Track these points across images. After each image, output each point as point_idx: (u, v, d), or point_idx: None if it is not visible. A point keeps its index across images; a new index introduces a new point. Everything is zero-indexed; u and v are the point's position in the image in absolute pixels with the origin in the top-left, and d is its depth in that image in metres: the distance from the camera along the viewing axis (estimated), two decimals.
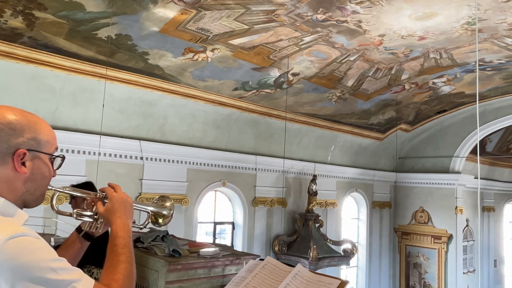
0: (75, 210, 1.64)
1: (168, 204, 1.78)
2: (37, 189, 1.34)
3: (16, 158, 1.26)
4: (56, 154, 1.39)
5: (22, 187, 1.29)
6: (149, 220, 1.74)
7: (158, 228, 1.79)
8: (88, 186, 4.02)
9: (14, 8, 4.96)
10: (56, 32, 5.45)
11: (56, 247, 3.80)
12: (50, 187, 1.46)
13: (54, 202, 1.59)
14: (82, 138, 6.44)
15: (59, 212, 1.63)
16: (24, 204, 1.32)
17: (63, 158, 1.41)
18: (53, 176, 1.40)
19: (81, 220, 1.66)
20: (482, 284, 14.31)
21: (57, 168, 1.41)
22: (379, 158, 12.50)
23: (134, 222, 1.67)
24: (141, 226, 1.73)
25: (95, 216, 1.63)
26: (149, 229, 2.99)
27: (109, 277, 1.36)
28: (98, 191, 1.64)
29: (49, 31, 5.41)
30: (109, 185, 1.65)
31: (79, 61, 6.02)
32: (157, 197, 1.86)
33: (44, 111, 6.03)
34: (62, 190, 1.59)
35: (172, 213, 1.77)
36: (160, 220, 1.75)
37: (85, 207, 1.68)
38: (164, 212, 1.75)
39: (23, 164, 1.28)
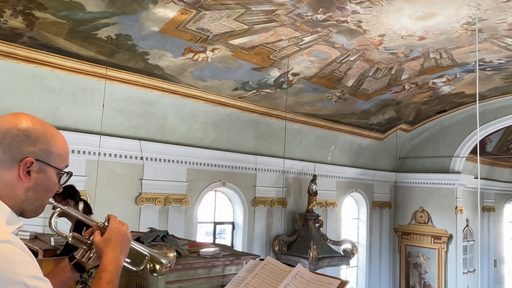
0: (70, 234, 1.59)
1: (171, 255, 1.70)
2: (37, 200, 1.32)
3: (22, 166, 1.26)
4: (65, 170, 1.38)
5: (23, 195, 1.28)
6: (148, 265, 1.66)
7: (155, 276, 1.74)
8: (69, 190, 3.96)
9: (14, 8, 4.96)
10: (56, 32, 5.45)
11: (51, 252, 3.72)
12: (53, 203, 1.44)
13: (52, 221, 1.54)
14: (82, 138, 6.44)
15: (57, 233, 1.57)
16: (22, 212, 1.30)
17: (71, 175, 1.40)
18: (57, 191, 1.39)
19: (75, 245, 1.60)
20: (482, 284, 14.31)
21: (63, 184, 1.40)
22: (379, 158, 12.50)
23: (128, 262, 1.61)
24: (135, 269, 1.64)
25: (90, 245, 1.57)
26: (149, 229, 2.98)
27: None
28: (105, 218, 1.58)
29: (49, 31, 5.41)
30: (110, 216, 1.59)
31: (79, 61, 6.02)
32: (165, 242, 1.77)
33: (44, 111, 6.03)
34: (64, 209, 1.56)
35: (171, 266, 1.69)
36: (157, 267, 1.67)
37: (83, 233, 1.62)
38: (163, 261, 1.67)
39: (29, 173, 1.27)
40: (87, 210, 4.00)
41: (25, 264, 1.13)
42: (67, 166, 1.39)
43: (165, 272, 1.70)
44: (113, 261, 1.46)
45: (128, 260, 1.63)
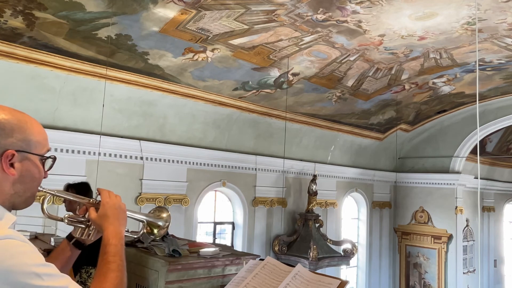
0: (66, 215, 1.59)
1: (164, 215, 1.75)
2: (27, 191, 1.29)
3: (4, 159, 1.22)
4: (47, 155, 1.35)
5: (10, 189, 1.25)
6: (144, 229, 1.72)
7: (153, 238, 1.80)
8: (84, 187, 3.99)
9: (14, 8, 4.96)
10: (56, 32, 5.45)
11: (48, 252, 3.77)
12: (43, 189, 1.42)
13: (45, 206, 1.54)
14: (82, 138, 6.44)
15: (50, 217, 1.58)
16: (13, 206, 1.28)
17: (54, 159, 1.36)
18: (44, 177, 1.36)
19: (72, 225, 1.61)
20: (482, 284, 14.31)
21: (49, 169, 1.36)
22: (379, 158, 12.50)
23: (128, 231, 1.64)
24: (135, 236, 1.71)
25: (88, 223, 1.59)
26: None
27: (98, 286, 1.34)
28: (96, 192, 1.61)
29: (49, 31, 5.41)
30: (99, 190, 1.60)
31: (79, 61, 6.02)
32: (155, 207, 1.84)
33: (44, 111, 6.04)
34: (55, 193, 1.55)
35: (168, 225, 1.74)
36: (155, 231, 1.73)
37: (77, 212, 1.63)
38: (159, 223, 1.73)
39: (12, 165, 1.24)
40: None
41: (30, 254, 1.14)
42: (48, 150, 1.36)
43: (163, 233, 1.76)
44: (114, 235, 1.47)
45: (126, 229, 1.66)
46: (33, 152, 1.29)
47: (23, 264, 1.11)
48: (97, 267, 1.40)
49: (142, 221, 1.72)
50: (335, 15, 6.15)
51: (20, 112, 1.30)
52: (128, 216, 1.63)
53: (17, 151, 1.24)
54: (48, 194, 1.52)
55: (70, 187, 3.92)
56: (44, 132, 1.35)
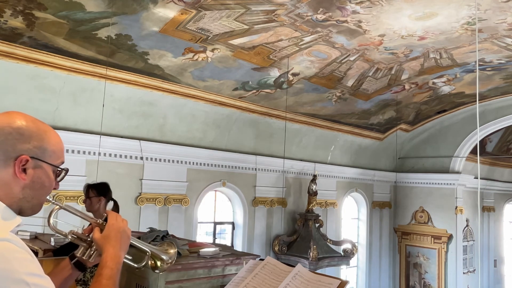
0: (70, 231, 1.60)
1: (171, 251, 1.72)
2: (35, 198, 1.32)
3: (17, 163, 1.26)
4: (61, 167, 1.38)
5: (19, 193, 1.28)
6: (148, 261, 1.68)
7: (157, 272, 1.75)
8: (104, 187, 3.99)
9: (14, 8, 4.96)
10: (56, 32, 5.45)
11: (55, 250, 3.72)
12: (51, 201, 1.44)
13: (51, 220, 1.55)
14: (82, 138, 6.44)
15: (56, 231, 1.58)
16: (20, 210, 1.30)
17: (67, 171, 1.40)
18: (55, 188, 1.38)
19: (75, 243, 1.61)
20: (482, 284, 14.31)
21: (59, 181, 1.39)
22: (379, 158, 12.50)
23: (130, 259, 1.62)
24: (137, 266, 1.67)
25: (90, 242, 1.58)
26: (149, 229, 2.99)
27: None
28: (104, 214, 1.60)
29: (49, 31, 5.41)
30: (108, 212, 1.60)
31: (79, 61, 6.02)
32: (165, 240, 1.80)
33: (44, 111, 6.04)
34: (63, 206, 1.56)
35: (172, 262, 1.71)
36: (159, 263, 1.69)
37: (82, 231, 1.63)
38: (164, 257, 1.69)
39: (24, 170, 1.27)
40: (116, 210, 4.01)
41: (24, 262, 1.14)
42: (62, 162, 1.39)
43: (166, 268, 1.71)
44: (113, 257, 1.47)
45: (129, 257, 1.64)
46: (46, 161, 1.32)
47: (14, 270, 1.10)
48: (90, 287, 1.40)
49: (147, 252, 1.68)
50: (335, 15, 6.15)
51: (41, 122, 1.35)
52: (134, 245, 1.64)
53: (31, 157, 1.28)
54: (56, 206, 1.53)
55: (90, 188, 3.92)
56: (61, 144, 1.39)
